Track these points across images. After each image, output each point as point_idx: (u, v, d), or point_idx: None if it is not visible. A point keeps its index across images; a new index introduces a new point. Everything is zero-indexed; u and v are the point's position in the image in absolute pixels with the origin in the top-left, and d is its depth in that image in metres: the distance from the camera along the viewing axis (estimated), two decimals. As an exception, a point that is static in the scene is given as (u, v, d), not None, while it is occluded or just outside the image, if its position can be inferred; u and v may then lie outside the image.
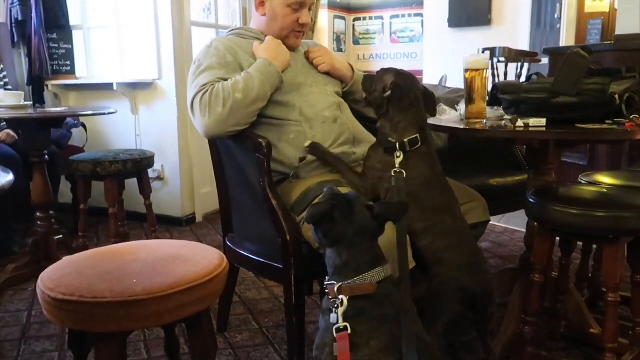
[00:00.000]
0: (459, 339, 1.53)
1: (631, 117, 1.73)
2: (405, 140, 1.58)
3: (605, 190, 1.82)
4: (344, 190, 1.48)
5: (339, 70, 1.95)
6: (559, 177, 3.82)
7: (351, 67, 2.01)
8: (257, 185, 1.70)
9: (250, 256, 1.84)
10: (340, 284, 1.18)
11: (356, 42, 8.28)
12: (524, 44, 5.76)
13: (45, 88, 3.67)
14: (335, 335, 1.12)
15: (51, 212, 2.81)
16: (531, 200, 1.73)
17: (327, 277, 1.25)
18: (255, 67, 1.71)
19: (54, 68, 3.73)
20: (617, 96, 1.74)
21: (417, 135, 1.60)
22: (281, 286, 1.76)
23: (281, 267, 1.67)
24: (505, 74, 4.41)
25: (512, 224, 3.49)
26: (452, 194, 1.65)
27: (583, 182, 2.09)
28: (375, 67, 7.92)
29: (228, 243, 1.98)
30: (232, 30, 1.92)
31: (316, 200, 1.44)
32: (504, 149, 2.67)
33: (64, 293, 1.09)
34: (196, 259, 1.25)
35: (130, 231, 3.21)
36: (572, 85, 1.75)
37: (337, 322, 1.14)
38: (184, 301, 1.13)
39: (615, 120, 1.74)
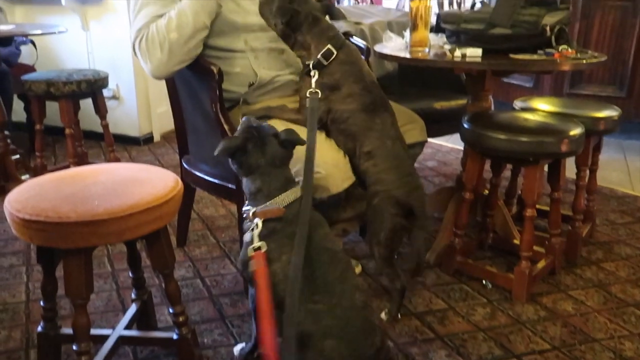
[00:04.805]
0: (398, 248, 1.73)
1: (560, 48, 1.87)
2: (319, 56, 1.65)
3: (532, 116, 1.98)
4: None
5: None
6: (504, 98, 4.00)
7: None
8: (209, 110, 1.78)
9: (206, 177, 1.95)
10: (255, 209, 1.33)
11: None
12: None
13: (-11, 1, 3.54)
14: (251, 253, 1.29)
15: (6, 132, 2.82)
16: (465, 125, 1.89)
17: (245, 202, 1.39)
18: None
19: (-3, -20, 3.57)
20: (548, 28, 1.87)
21: (329, 46, 1.66)
22: (236, 203, 1.89)
23: (234, 187, 1.80)
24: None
25: (459, 144, 3.67)
26: (386, 107, 1.73)
27: (517, 107, 2.25)
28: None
29: (184, 165, 2.09)
30: None
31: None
32: (449, 74, 2.78)
33: (30, 214, 1.19)
34: (153, 181, 1.35)
35: (87, 150, 3.25)
36: (508, 17, 1.87)
37: (253, 242, 1.30)
38: (143, 220, 1.24)
39: (546, 50, 1.88)
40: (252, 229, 1.30)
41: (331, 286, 1.29)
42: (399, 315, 1.77)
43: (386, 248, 1.68)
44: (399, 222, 1.66)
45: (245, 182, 1.36)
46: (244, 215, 1.37)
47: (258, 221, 1.30)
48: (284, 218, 1.31)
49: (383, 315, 1.76)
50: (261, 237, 1.30)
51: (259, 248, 1.28)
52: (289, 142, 1.35)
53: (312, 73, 1.65)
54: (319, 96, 1.63)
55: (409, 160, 1.74)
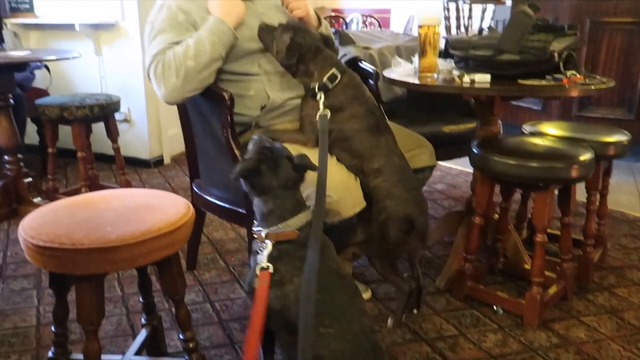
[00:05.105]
0: (399, 257, 1.78)
1: (568, 74, 1.88)
2: (324, 79, 1.71)
3: (541, 141, 1.98)
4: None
5: (310, 17, 1.93)
6: (513, 121, 4.01)
7: (318, 18, 1.99)
8: (220, 135, 1.80)
9: (216, 202, 1.96)
10: (267, 231, 1.32)
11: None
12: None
13: (4, 26, 3.60)
14: (258, 272, 1.28)
15: (19, 156, 2.86)
16: (474, 150, 1.90)
17: (255, 222, 1.39)
18: (206, 27, 1.72)
19: (12, 5, 3.65)
20: (556, 54, 1.88)
21: (333, 70, 1.72)
22: (246, 227, 1.90)
23: (244, 212, 1.81)
24: (470, 17, 4.51)
25: (468, 166, 3.66)
26: (388, 128, 1.78)
27: (526, 132, 2.25)
28: (342, 2, 7.84)
29: (195, 189, 2.10)
30: None
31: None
32: (458, 98, 2.79)
33: (44, 240, 1.20)
34: (164, 207, 1.36)
35: (99, 173, 3.28)
36: (516, 44, 1.88)
37: (261, 262, 1.29)
38: (154, 247, 1.25)
39: (554, 76, 1.89)
40: (262, 250, 1.31)
41: (341, 310, 1.29)
42: (404, 318, 1.82)
43: (387, 257, 1.72)
44: (402, 237, 1.70)
45: (257, 203, 1.37)
46: (255, 236, 1.37)
47: (269, 243, 1.30)
48: (296, 241, 1.32)
49: (389, 321, 1.82)
50: (271, 258, 1.30)
51: (266, 268, 1.28)
52: (302, 166, 1.37)
53: (318, 95, 1.69)
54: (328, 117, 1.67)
55: (414, 176, 1.78)
